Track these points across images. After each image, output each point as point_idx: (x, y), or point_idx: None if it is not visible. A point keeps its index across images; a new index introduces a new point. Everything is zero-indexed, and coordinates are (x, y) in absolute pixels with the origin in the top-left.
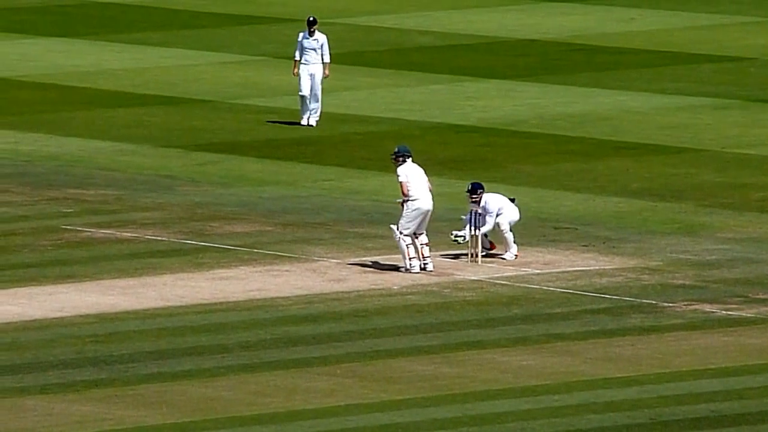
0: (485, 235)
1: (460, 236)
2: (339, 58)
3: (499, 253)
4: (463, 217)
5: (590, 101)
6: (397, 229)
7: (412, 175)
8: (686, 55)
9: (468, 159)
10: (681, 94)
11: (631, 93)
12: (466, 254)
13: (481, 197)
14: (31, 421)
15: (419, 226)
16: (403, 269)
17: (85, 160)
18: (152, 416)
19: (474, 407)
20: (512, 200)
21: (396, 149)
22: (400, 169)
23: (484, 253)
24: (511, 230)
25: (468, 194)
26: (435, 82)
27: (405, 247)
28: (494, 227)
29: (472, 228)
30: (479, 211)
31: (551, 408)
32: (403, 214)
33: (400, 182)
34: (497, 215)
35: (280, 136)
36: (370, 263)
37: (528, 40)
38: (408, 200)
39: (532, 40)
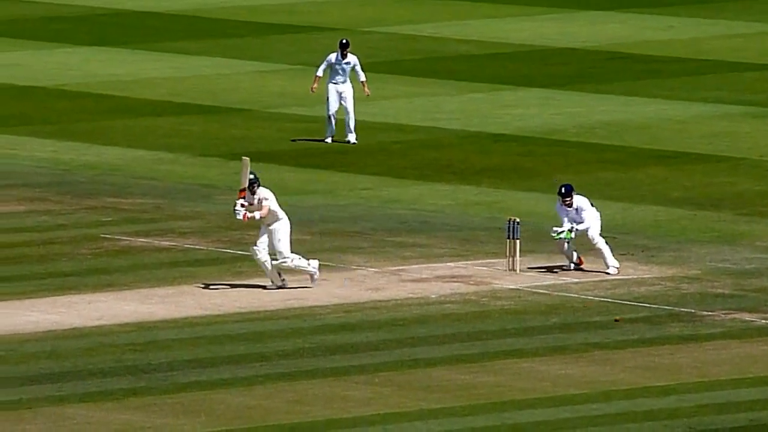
0: (570, 244)
1: (561, 232)
2: (377, 66)
3: (582, 267)
4: (556, 229)
5: (629, 110)
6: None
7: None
8: (725, 63)
9: (506, 168)
10: (720, 102)
11: (670, 101)
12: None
13: (572, 199)
14: (71, 429)
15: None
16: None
17: (123, 168)
18: (191, 424)
19: (512, 416)
20: (591, 205)
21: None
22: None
23: (572, 267)
24: (607, 243)
25: (560, 197)
26: (473, 90)
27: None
28: (590, 238)
29: (570, 223)
30: (576, 211)
31: (589, 417)
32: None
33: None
34: (592, 218)
35: (318, 145)
36: (410, 272)
37: (567, 49)
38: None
39: (571, 48)
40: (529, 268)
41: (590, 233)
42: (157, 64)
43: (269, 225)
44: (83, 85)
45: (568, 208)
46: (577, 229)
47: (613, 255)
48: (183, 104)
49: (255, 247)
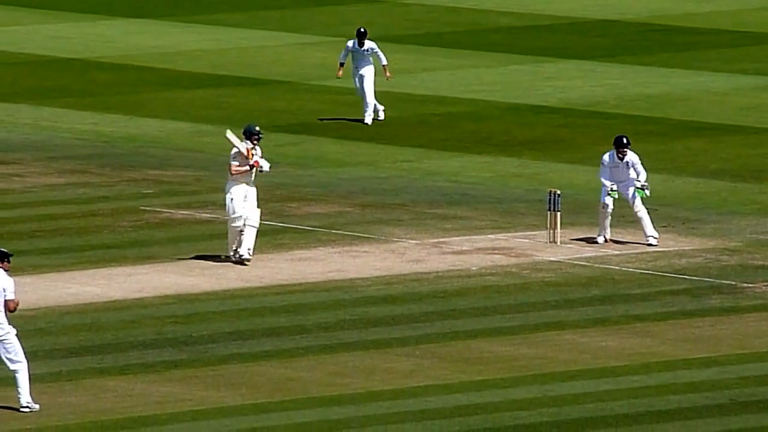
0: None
1: (614, 192)
2: (417, 39)
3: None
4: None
5: (669, 82)
6: None
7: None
8: (766, 35)
9: (547, 140)
10: (760, 74)
11: (710, 73)
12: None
13: (627, 152)
14: (111, 401)
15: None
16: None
17: (164, 141)
18: (232, 397)
19: (553, 388)
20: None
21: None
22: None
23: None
24: (648, 213)
25: (616, 148)
26: (514, 62)
27: None
28: (631, 205)
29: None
30: (626, 165)
31: (631, 389)
32: None
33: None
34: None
35: (359, 117)
36: (450, 243)
37: (607, 21)
38: None
39: (612, 20)
40: (570, 239)
41: (636, 202)
42: (198, 36)
43: (250, 186)
44: (124, 57)
45: (620, 162)
46: (644, 184)
47: (654, 227)
48: (223, 76)
49: (240, 214)
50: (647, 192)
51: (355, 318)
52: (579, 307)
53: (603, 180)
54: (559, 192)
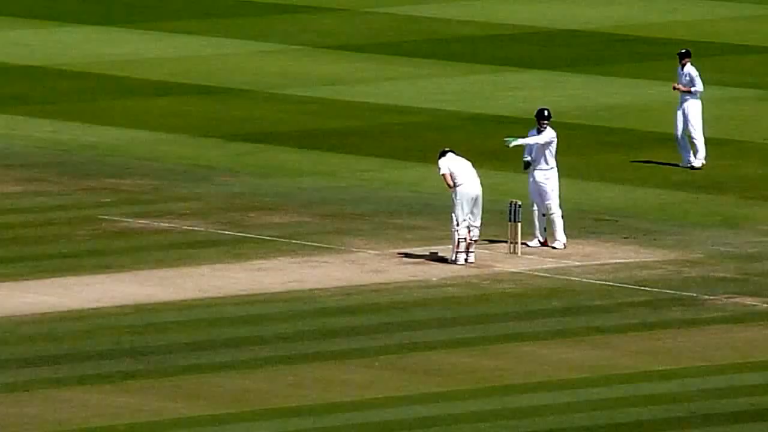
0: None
1: (510, 140)
2: (378, 48)
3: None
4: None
5: (632, 92)
6: (455, 219)
7: (453, 164)
8: (729, 45)
9: (509, 151)
10: (724, 85)
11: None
12: (506, 242)
13: (546, 127)
14: (68, 412)
15: (474, 217)
16: (449, 260)
17: (122, 149)
18: (189, 408)
19: (513, 400)
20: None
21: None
22: (441, 162)
23: (538, 244)
24: (562, 216)
25: (537, 119)
26: (476, 72)
27: (456, 239)
28: (545, 209)
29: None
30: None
31: (591, 401)
32: (455, 202)
33: (443, 174)
34: (550, 191)
35: (319, 126)
36: (410, 254)
37: (570, 31)
38: (455, 186)
39: (575, 30)
40: (528, 245)
41: (550, 202)
42: (158, 44)
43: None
44: (83, 65)
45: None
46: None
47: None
48: (183, 84)
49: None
50: (513, 142)
51: (314, 329)
52: (539, 319)
53: (525, 156)
54: (519, 203)
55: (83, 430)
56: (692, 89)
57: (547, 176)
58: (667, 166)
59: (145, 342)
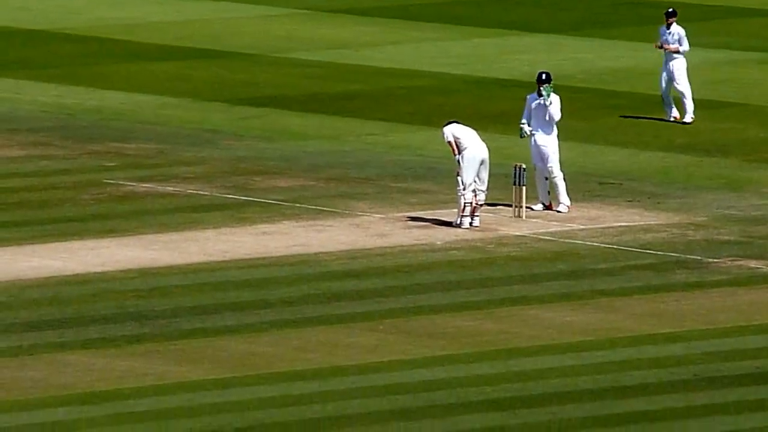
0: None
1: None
2: (382, 11)
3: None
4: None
5: (636, 56)
6: (461, 182)
7: (458, 131)
8: (735, 9)
9: (513, 113)
10: (727, 48)
11: None
12: (510, 206)
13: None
14: (73, 376)
15: (480, 181)
16: (453, 223)
17: (127, 113)
18: (194, 372)
19: (517, 363)
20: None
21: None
22: (445, 130)
23: (542, 208)
24: (564, 179)
25: (538, 83)
26: (480, 36)
27: (462, 203)
28: (547, 172)
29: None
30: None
31: (595, 364)
32: (462, 166)
33: (448, 142)
34: (551, 154)
35: (324, 90)
36: (415, 218)
37: None
38: (461, 151)
39: None
40: (532, 209)
41: (552, 164)
42: (162, 8)
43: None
44: (87, 28)
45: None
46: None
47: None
48: (188, 48)
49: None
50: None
51: (319, 292)
52: (544, 282)
53: (523, 120)
54: (524, 166)
55: (88, 394)
56: (681, 48)
57: (548, 140)
58: (671, 130)
59: (149, 306)
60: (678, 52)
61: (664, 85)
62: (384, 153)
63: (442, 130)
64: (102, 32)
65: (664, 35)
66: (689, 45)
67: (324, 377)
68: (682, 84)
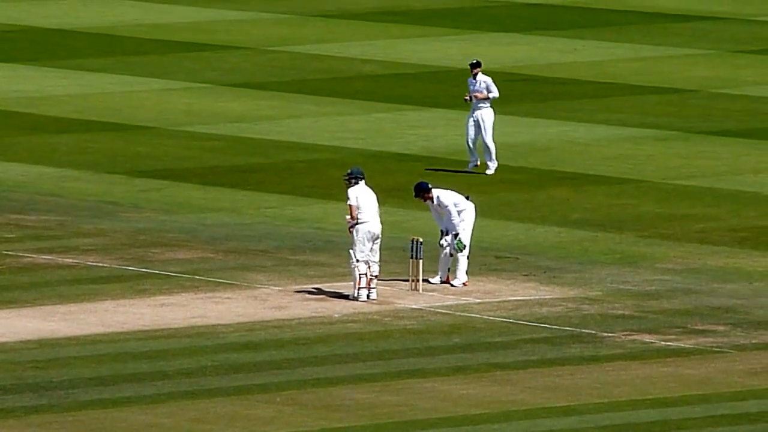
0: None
1: (446, 244)
2: (282, 86)
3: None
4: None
5: (533, 131)
6: (354, 256)
7: (362, 197)
8: (629, 86)
9: (410, 187)
10: (623, 125)
11: (574, 123)
12: (407, 280)
13: (431, 194)
14: None
15: (373, 253)
16: (350, 297)
17: (27, 185)
18: None
19: None
20: (467, 197)
21: (349, 170)
22: (351, 191)
23: (439, 282)
24: (467, 257)
25: (418, 198)
26: (378, 110)
27: (357, 276)
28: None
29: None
30: (437, 208)
31: None
32: (355, 239)
33: (349, 205)
34: (459, 212)
35: (224, 163)
36: (313, 290)
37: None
38: (357, 224)
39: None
40: (430, 282)
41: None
42: (63, 81)
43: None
44: None
45: (432, 205)
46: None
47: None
48: (88, 121)
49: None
50: (443, 245)
51: (217, 364)
52: (440, 355)
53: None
54: (421, 240)
55: None
56: (490, 95)
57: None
58: (566, 205)
59: (47, 377)
60: (488, 98)
61: (471, 133)
62: (283, 225)
63: (347, 191)
64: (2, 104)
65: (472, 86)
66: (498, 91)
67: None
68: (489, 137)
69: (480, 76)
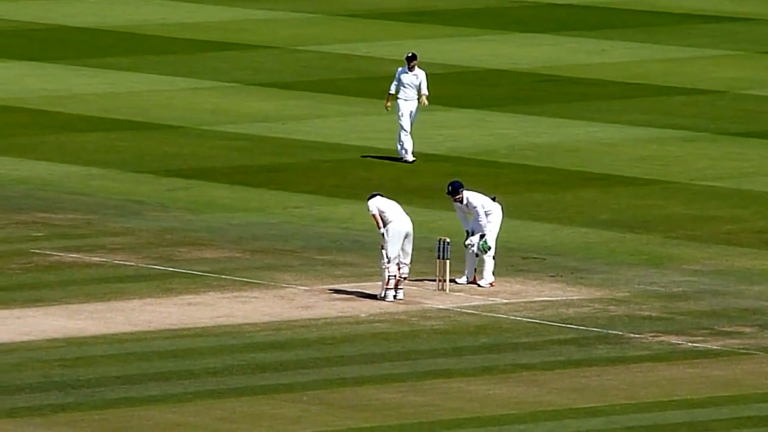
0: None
1: (472, 244)
2: (309, 85)
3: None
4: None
5: (560, 132)
6: (386, 255)
7: (383, 205)
8: (656, 87)
9: (437, 188)
10: (650, 126)
11: (601, 124)
12: (434, 280)
13: (462, 195)
14: None
15: (404, 254)
16: (378, 297)
17: (55, 184)
18: None
19: None
20: (493, 198)
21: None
22: (370, 203)
23: (466, 282)
24: (494, 257)
25: (450, 196)
26: None
27: (387, 276)
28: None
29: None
30: (464, 208)
31: None
32: (387, 239)
33: (372, 215)
34: (486, 214)
35: (250, 163)
36: (340, 290)
37: (499, 70)
38: (386, 224)
39: (503, 70)
40: (456, 282)
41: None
42: (91, 80)
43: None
44: (16, 99)
45: (459, 204)
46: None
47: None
48: (115, 120)
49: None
50: (473, 250)
51: (244, 363)
52: (467, 355)
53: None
54: (448, 240)
55: None
56: (424, 92)
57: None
58: (594, 206)
59: (75, 375)
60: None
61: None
62: (309, 225)
63: (366, 204)
64: (30, 103)
65: (407, 78)
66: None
67: None
68: (412, 124)
69: (418, 70)
